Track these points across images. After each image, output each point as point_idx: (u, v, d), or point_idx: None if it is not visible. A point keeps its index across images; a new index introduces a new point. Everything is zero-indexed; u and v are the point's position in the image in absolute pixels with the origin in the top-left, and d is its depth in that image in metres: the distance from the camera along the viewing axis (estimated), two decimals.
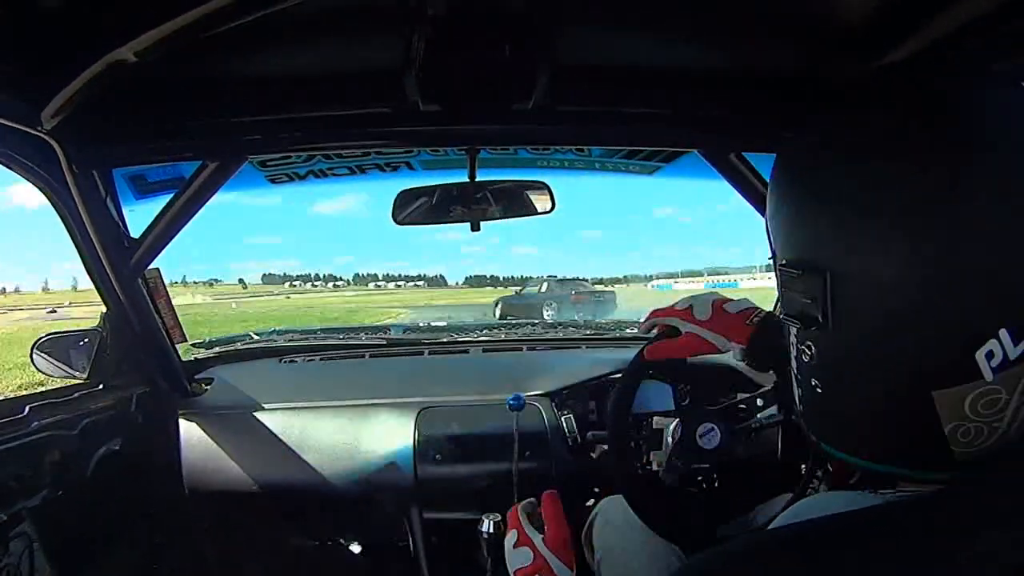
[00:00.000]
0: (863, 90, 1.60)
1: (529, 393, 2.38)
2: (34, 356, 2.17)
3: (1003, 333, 0.60)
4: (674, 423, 1.75)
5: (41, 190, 1.88)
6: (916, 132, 0.66)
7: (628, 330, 3.18)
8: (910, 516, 0.65)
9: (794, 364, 0.78)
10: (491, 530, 1.95)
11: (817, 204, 0.71)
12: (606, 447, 2.19)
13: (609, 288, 28.59)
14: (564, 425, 2.35)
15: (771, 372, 2.13)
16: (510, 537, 1.44)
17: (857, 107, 0.74)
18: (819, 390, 0.75)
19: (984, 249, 0.61)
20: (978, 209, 0.61)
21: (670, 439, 1.74)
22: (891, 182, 0.65)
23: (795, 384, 0.79)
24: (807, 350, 0.73)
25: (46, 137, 1.66)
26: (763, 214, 2.07)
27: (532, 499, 1.56)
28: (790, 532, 0.71)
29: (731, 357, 2.41)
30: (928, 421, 0.65)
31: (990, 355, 0.60)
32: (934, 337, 0.63)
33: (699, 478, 1.74)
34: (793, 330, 0.76)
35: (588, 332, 3.19)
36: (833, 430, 0.76)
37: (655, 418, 1.91)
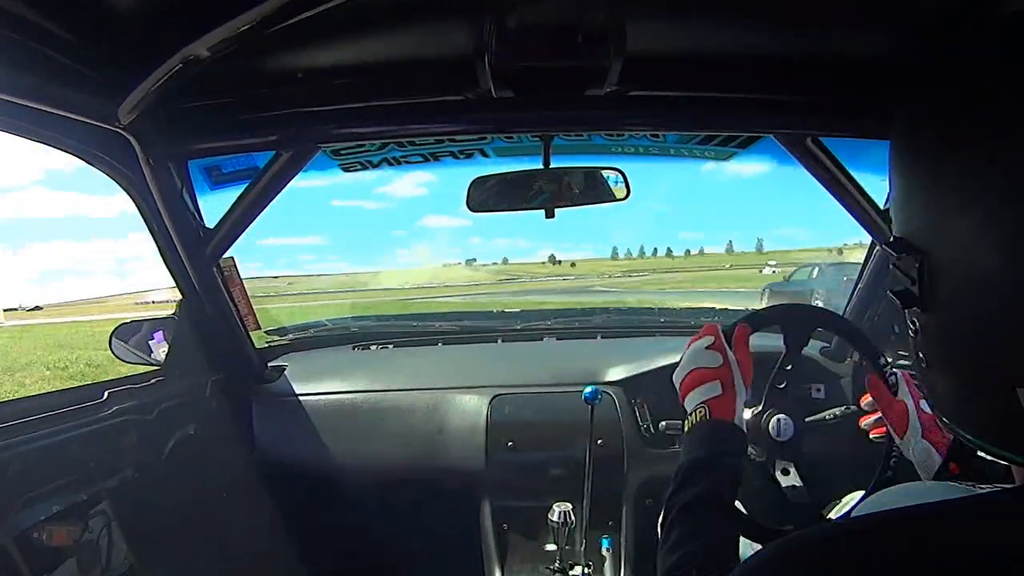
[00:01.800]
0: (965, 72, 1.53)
1: (602, 381, 2.35)
2: (112, 343, 2.21)
3: None
4: (749, 412, 1.70)
5: (119, 183, 1.91)
6: (1015, 121, 0.62)
7: (703, 319, 3.12)
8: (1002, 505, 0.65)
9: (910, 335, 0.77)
10: (560, 519, 1.93)
11: (918, 186, 0.71)
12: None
13: None
14: (637, 414, 2.32)
15: (849, 362, 2.07)
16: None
17: (958, 88, 0.70)
18: (923, 365, 0.74)
19: None
20: None
21: (744, 430, 1.71)
22: (990, 169, 0.62)
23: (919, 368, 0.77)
24: (912, 325, 0.73)
25: (123, 132, 1.68)
26: (839, 200, 2.01)
27: None
28: (868, 520, 0.68)
29: (810, 347, 2.38)
30: (1016, 413, 0.62)
31: None
32: (1022, 335, 0.61)
33: (772, 471, 1.70)
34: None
35: (663, 320, 3.13)
36: (941, 404, 0.74)
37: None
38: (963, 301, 0.66)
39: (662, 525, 1.87)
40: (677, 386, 1.34)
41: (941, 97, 0.71)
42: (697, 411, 1.25)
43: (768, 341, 1.77)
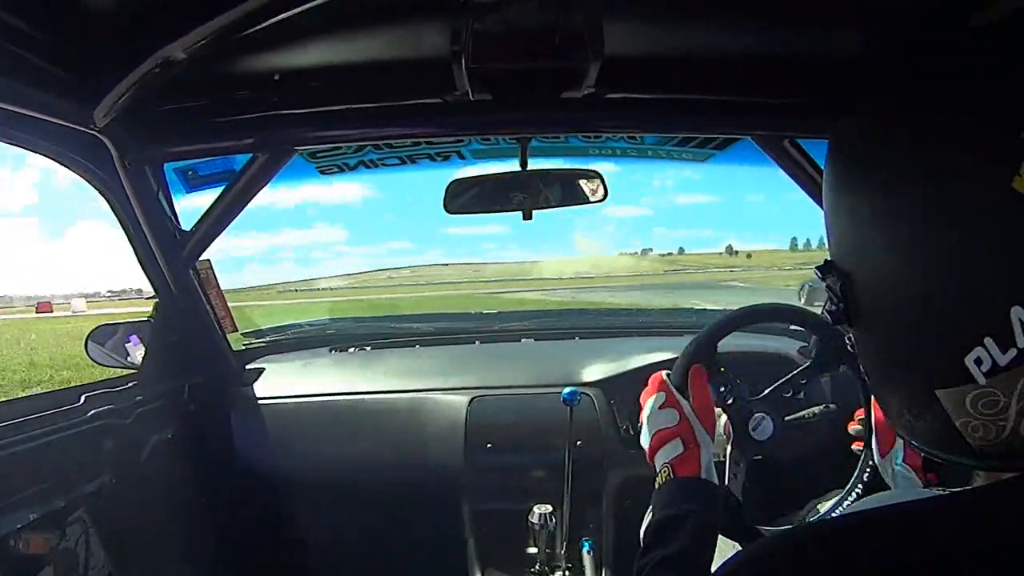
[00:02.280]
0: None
1: (580, 382, 2.35)
2: (89, 346, 2.20)
3: (988, 342, 0.61)
4: (725, 415, 1.71)
5: (94, 186, 1.91)
6: (904, 147, 0.68)
7: (680, 319, 3.14)
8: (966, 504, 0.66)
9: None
10: (541, 521, 1.93)
11: (833, 212, 0.77)
12: None
13: None
14: (616, 414, 2.32)
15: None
16: (656, 398, 1.37)
17: (860, 113, 0.80)
18: (867, 378, 0.79)
19: (961, 271, 0.63)
20: (954, 237, 0.63)
21: (723, 433, 1.71)
22: (885, 197, 0.69)
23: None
24: (849, 341, 0.79)
25: (99, 135, 1.68)
26: (817, 202, 2.02)
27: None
28: (860, 518, 0.69)
29: (788, 347, 2.39)
30: (942, 414, 0.66)
31: (979, 361, 0.62)
32: (931, 342, 0.66)
33: (752, 471, 1.71)
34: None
35: (640, 320, 3.15)
36: (893, 420, 0.76)
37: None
38: (879, 313, 0.71)
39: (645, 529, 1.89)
40: (646, 451, 1.35)
41: (859, 120, 0.80)
42: (662, 472, 1.27)
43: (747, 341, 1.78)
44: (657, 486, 1.26)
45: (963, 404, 0.64)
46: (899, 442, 1.44)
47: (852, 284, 0.73)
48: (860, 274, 0.72)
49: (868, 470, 1.57)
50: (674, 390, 1.37)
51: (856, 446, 1.61)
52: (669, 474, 1.25)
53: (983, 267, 0.61)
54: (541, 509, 1.98)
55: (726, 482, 1.60)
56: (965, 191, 0.62)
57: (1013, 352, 0.59)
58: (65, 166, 1.83)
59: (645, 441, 1.36)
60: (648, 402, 1.39)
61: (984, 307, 0.61)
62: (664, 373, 1.45)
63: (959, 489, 0.74)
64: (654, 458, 1.31)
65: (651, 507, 1.24)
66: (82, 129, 1.63)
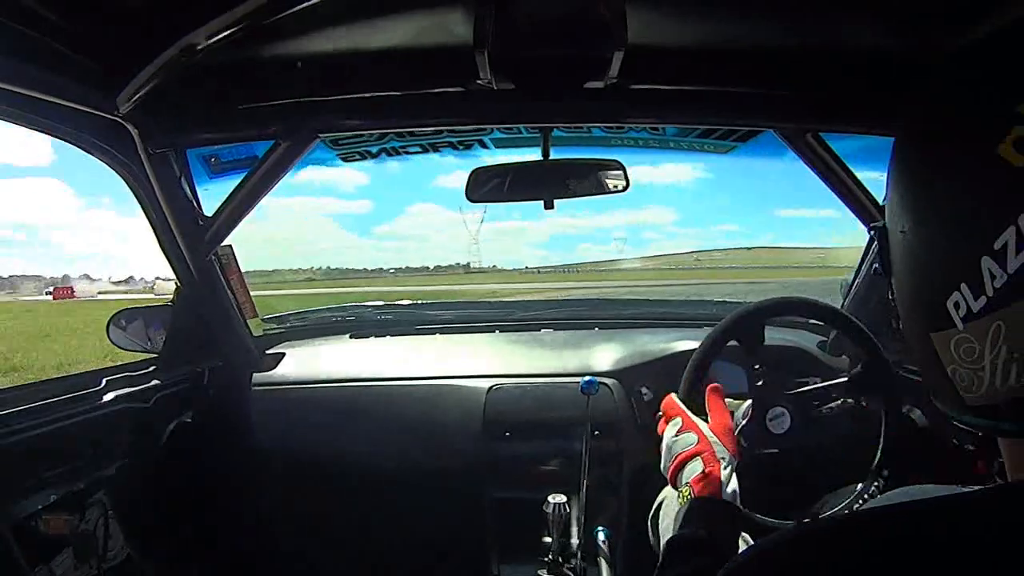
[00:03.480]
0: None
1: (600, 372, 2.34)
2: (110, 330, 2.21)
3: (963, 287, 0.65)
4: (745, 405, 1.71)
5: (117, 172, 1.92)
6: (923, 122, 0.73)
7: (701, 310, 3.11)
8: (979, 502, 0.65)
9: None
10: (555, 510, 1.94)
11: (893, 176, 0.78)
12: None
13: None
14: (635, 405, 2.32)
15: (845, 358, 2.07)
16: (672, 424, 1.39)
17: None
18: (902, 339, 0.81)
19: (944, 221, 0.67)
20: (943, 190, 0.68)
21: (741, 421, 1.71)
22: (897, 157, 0.74)
23: None
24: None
25: (122, 121, 1.69)
26: (838, 195, 2.01)
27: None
28: (862, 516, 0.71)
29: (807, 341, 2.38)
30: (937, 362, 0.70)
31: (957, 305, 0.66)
32: (925, 286, 0.70)
33: (768, 464, 1.71)
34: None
35: (661, 311, 3.13)
36: (926, 382, 0.77)
37: (726, 400, 1.88)
38: (896, 263, 0.76)
39: (652, 519, 1.89)
40: (668, 479, 1.37)
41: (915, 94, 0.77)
42: (682, 492, 1.28)
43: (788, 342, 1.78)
44: (678, 506, 1.28)
45: (948, 349, 0.68)
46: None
47: (887, 238, 0.77)
48: (888, 228, 0.76)
49: (879, 480, 1.57)
50: (688, 412, 1.39)
51: None
52: (691, 494, 1.25)
53: (964, 218, 0.65)
54: (555, 499, 1.98)
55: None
56: (957, 152, 0.66)
57: (983, 299, 0.63)
58: (88, 152, 1.83)
59: (665, 468, 1.37)
60: (665, 432, 1.41)
61: (960, 255, 0.65)
62: (674, 396, 1.48)
63: (980, 487, 0.73)
64: (675, 480, 1.33)
65: (673, 524, 1.27)
66: (105, 115, 1.64)
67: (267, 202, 2.10)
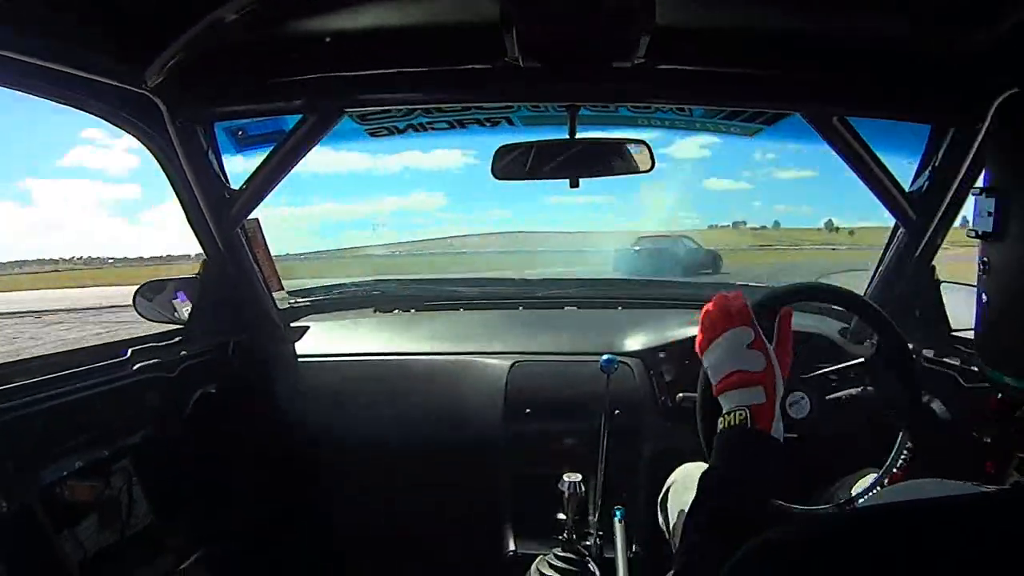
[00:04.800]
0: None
1: (621, 352, 2.34)
2: (136, 301, 2.23)
3: None
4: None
5: (145, 145, 1.93)
6: None
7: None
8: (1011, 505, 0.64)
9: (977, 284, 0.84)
10: (570, 488, 1.95)
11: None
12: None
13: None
14: (655, 386, 2.32)
15: (866, 344, 2.06)
16: (742, 333, 1.25)
17: None
18: (988, 303, 0.82)
19: None
20: None
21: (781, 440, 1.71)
22: None
23: (976, 305, 0.85)
24: (983, 264, 0.81)
25: (150, 95, 1.69)
26: (866, 181, 1.99)
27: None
28: (874, 511, 0.72)
29: (829, 328, 2.37)
30: None
31: None
32: None
33: (785, 448, 1.71)
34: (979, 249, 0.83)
35: (684, 292, 3.12)
36: (1004, 352, 0.79)
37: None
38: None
39: (662, 500, 1.89)
40: (712, 376, 1.28)
41: None
42: (737, 413, 1.20)
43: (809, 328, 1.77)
44: (724, 424, 1.21)
45: None
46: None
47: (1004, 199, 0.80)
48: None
49: (905, 452, 1.56)
50: (761, 332, 1.28)
51: None
52: (746, 420, 1.18)
53: None
54: (571, 477, 1.98)
55: None
56: None
57: None
58: (117, 125, 1.84)
59: (717, 371, 1.27)
60: (731, 332, 1.27)
61: None
62: (751, 305, 1.33)
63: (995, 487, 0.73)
64: (724, 392, 1.24)
65: (718, 446, 1.21)
66: (134, 89, 1.65)
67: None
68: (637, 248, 23.17)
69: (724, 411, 1.23)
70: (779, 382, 1.23)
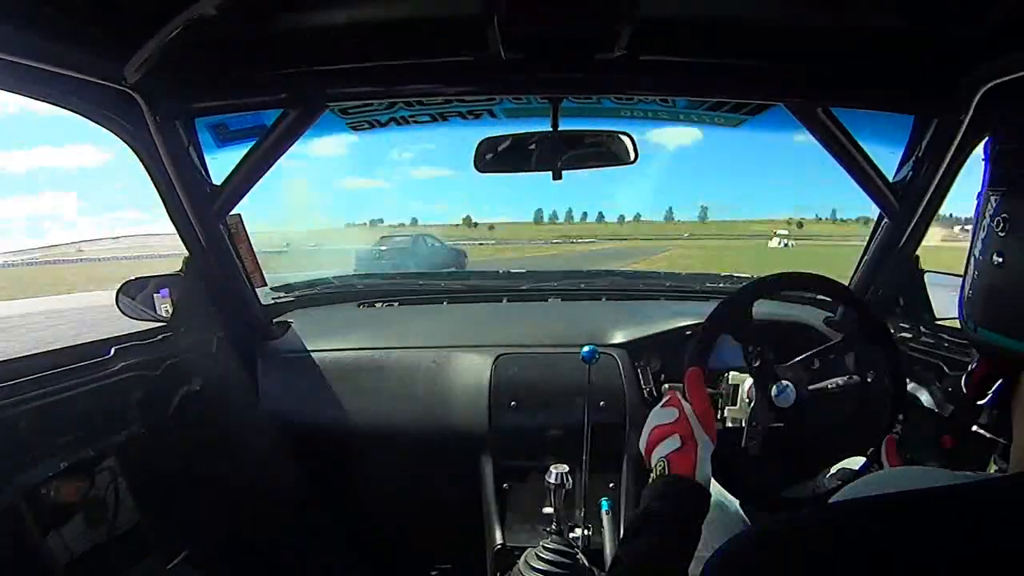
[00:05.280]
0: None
1: (606, 343, 2.36)
2: (119, 299, 2.21)
3: None
4: (750, 379, 1.72)
5: (126, 141, 1.91)
6: None
7: (708, 284, 3.12)
8: (986, 497, 0.65)
9: (979, 246, 0.80)
10: (557, 480, 1.95)
11: None
12: None
13: None
14: (640, 377, 2.33)
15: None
16: (662, 401, 1.42)
17: None
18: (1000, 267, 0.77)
19: None
20: None
21: (746, 396, 1.72)
22: None
23: (971, 269, 0.81)
24: (1002, 222, 0.76)
25: (130, 91, 1.68)
26: (850, 172, 2.01)
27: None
28: (857, 505, 0.71)
29: (813, 317, 2.39)
30: None
31: None
32: None
33: (770, 438, 1.72)
34: (991, 207, 0.79)
35: (668, 284, 3.13)
36: (991, 312, 0.77)
37: (731, 373, 1.89)
38: None
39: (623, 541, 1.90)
40: (643, 452, 1.38)
41: None
42: (657, 465, 1.29)
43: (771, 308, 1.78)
44: (651, 480, 1.29)
45: None
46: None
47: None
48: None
49: (896, 432, 1.58)
50: (679, 396, 1.40)
51: None
52: (664, 469, 1.27)
53: None
54: (558, 468, 1.99)
55: (743, 445, 1.62)
56: None
57: None
58: (97, 122, 1.82)
59: (643, 444, 1.39)
60: (654, 410, 1.43)
61: None
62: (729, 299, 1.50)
63: (976, 478, 0.74)
64: (652, 454, 1.34)
65: (641, 498, 1.26)
66: (113, 85, 1.64)
67: None
68: (383, 247, 23.91)
69: (652, 469, 1.32)
70: (697, 429, 1.32)
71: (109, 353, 1.94)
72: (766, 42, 1.72)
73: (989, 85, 1.62)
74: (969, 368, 1.09)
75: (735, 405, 1.77)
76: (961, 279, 0.82)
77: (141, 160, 1.95)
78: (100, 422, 1.85)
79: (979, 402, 1.28)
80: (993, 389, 0.77)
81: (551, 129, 2.05)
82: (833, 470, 1.82)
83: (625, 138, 2.12)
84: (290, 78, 1.84)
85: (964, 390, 1.54)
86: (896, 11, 1.55)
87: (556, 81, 1.89)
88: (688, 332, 2.35)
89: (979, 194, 0.79)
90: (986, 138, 0.76)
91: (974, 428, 1.72)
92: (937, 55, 1.62)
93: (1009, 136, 0.77)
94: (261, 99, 1.92)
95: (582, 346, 2.00)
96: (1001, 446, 1.66)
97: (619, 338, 2.41)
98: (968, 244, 0.81)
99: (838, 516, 0.68)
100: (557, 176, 2.10)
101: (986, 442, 1.70)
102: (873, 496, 0.70)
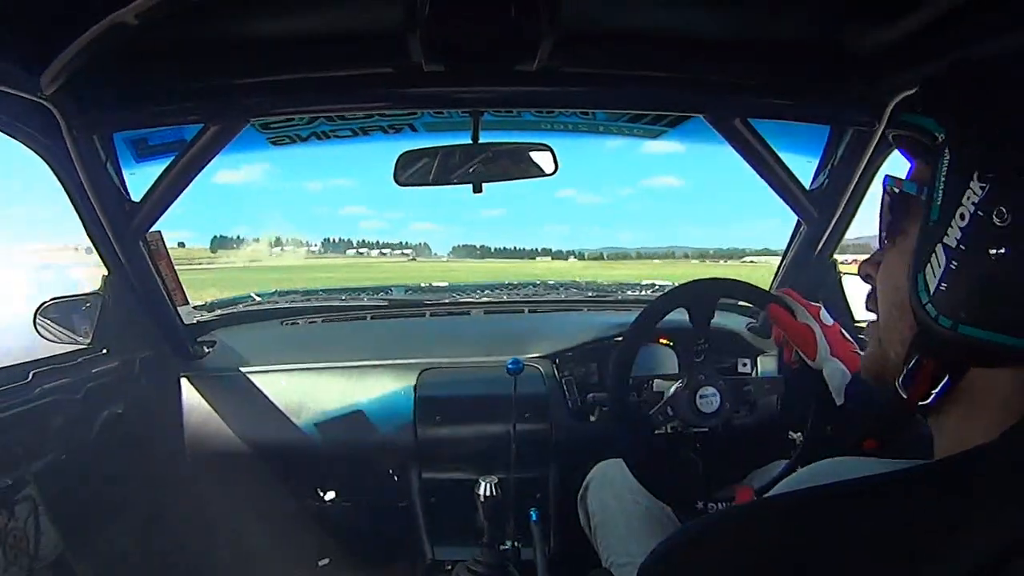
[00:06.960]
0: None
1: (530, 355, 2.39)
2: (37, 322, 2.15)
3: None
4: (674, 386, 1.75)
5: (40, 156, 1.87)
6: None
7: (629, 293, 3.17)
8: (917, 484, 0.65)
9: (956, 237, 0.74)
10: (487, 492, 1.96)
11: None
12: (606, 409, 2.20)
13: None
14: (565, 387, 2.37)
15: (772, 340, 2.15)
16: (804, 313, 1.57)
17: None
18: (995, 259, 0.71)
19: None
20: None
21: (672, 403, 1.75)
22: None
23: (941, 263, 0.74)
24: (1003, 211, 0.70)
25: (45, 103, 1.63)
26: (768, 182, 2.06)
27: None
28: (791, 498, 0.72)
29: (736, 323, 2.44)
30: None
31: None
32: None
33: (697, 443, 1.76)
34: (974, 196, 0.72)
35: (590, 294, 3.18)
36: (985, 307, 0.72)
37: (655, 381, 1.93)
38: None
39: (582, 498, 1.91)
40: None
41: None
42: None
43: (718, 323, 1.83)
44: None
45: None
46: (821, 339, 1.53)
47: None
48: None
49: (819, 427, 1.63)
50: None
51: (788, 362, 1.67)
52: None
53: None
54: (487, 480, 2.00)
55: (670, 450, 1.65)
56: None
57: None
58: (10, 135, 1.78)
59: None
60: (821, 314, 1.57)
61: None
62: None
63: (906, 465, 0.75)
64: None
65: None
66: (28, 97, 1.58)
67: None
68: None
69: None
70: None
71: (28, 378, 1.87)
72: (684, 54, 1.76)
73: (902, 95, 1.69)
74: (904, 369, 1.13)
75: (661, 412, 1.80)
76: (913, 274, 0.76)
77: (57, 176, 1.92)
78: (19, 450, 1.79)
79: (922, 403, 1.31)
80: (937, 390, 0.75)
81: (471, 142, 2.06)
82: (759, 473, 1.86)
83: (545, 150, 2.15)
84: (210, 92, 1.81)
85: (902, 392, 1.58)
86: (809, 23, 1.61)
87: (477, 94, 1.90)
88: (617, 339, 2.37)
89: (932, 187, 0.73)
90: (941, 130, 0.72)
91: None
92: (850, 66, 1.67)
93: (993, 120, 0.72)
94: (181, 114, 1.88)
95: (506, 359, 2.02)
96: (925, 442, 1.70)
97: (543, 350, 2.44)
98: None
99: (771, 509, 0.70)
100: (478, 189, 2.11)
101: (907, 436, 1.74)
102: (807, 488, 0.69)
